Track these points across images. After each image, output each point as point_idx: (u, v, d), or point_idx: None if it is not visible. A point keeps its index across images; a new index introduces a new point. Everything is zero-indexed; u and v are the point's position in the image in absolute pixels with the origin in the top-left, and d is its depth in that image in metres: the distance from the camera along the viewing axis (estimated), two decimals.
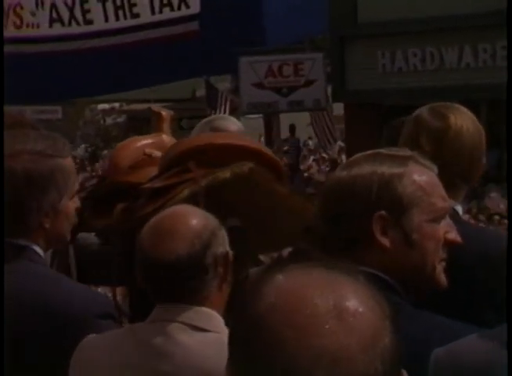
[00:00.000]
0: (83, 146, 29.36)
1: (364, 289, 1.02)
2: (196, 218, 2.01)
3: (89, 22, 12.58)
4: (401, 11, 12.92)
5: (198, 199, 2.41)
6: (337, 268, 1.04)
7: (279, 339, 0.97)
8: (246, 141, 2.80)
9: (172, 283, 1.97)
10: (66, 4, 12.61)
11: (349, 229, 1.78)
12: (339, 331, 0.97)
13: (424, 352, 1.58)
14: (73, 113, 29.52)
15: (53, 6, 12.68)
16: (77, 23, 12.65)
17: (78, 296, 2.14)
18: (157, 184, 2.60)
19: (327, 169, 17.51)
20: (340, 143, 19.95)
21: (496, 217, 8.31)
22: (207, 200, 2.40)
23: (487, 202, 10.72)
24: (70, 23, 12.70)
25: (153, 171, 2.74)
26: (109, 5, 12.41)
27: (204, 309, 1.98)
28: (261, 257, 2.68)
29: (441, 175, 1.88)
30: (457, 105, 2.54)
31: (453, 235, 1.84)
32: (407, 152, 1.88)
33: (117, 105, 29.44)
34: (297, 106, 13.28)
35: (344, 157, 16.79)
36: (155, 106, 3.68)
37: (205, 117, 3.99)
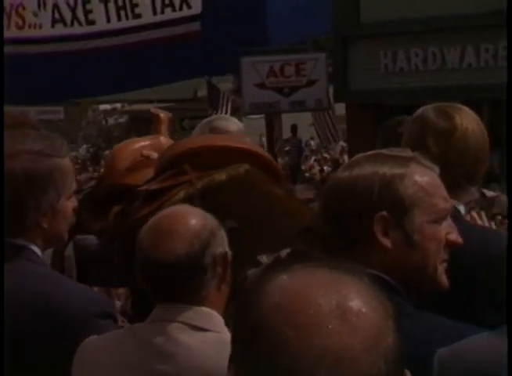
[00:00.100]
0: (85, 146, 29.39)
1: (367, 289, 1.02)
2: (194, 218, 2.01)
3: (91, 22, 12.57)
4: (403, 11, 12.91)
5: (194, 201, 2.40)
6: (341, 268, 1.04)
7: (282, 339, 0.97)
8: (243, 143, 2.80)
9: (172, 283, 1.97)
10: (68, 4, 12.60)
11: (350, 229, 1.78)
12: (342, 331, 0.97)
13: (426, 353, 1.58)
14: (76, 114, 29.54)
15: (55, 7, 12.67)
16: (79, 24, 12.64)
17: (78, 296, 2.14)
18: (153, 186, 2.60)
19: (329, 169, 17.49)
20: (342, 143, 19.96)
21: (499, 217, 8.29)
22: (203, 202, 2.39)
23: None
24: (72, 24, 12.69)
25: (151, 172, 2.75)
26: (112, 6, 12.40)
27: (204, 308, 1.98)
28: (260, 258, 2.67)
29: (446, 176, 1.87)
30: (460, 105, 2.53)
31: (455, 236, 1.83)
32: (409, 153, 1.87)
33: (118, 105, 29.46)
34: (298, 107, 13.23)
35: (346, 157, 16.77)
36: (154, 108, 3.69)
37: (207, 117, 3.99)
